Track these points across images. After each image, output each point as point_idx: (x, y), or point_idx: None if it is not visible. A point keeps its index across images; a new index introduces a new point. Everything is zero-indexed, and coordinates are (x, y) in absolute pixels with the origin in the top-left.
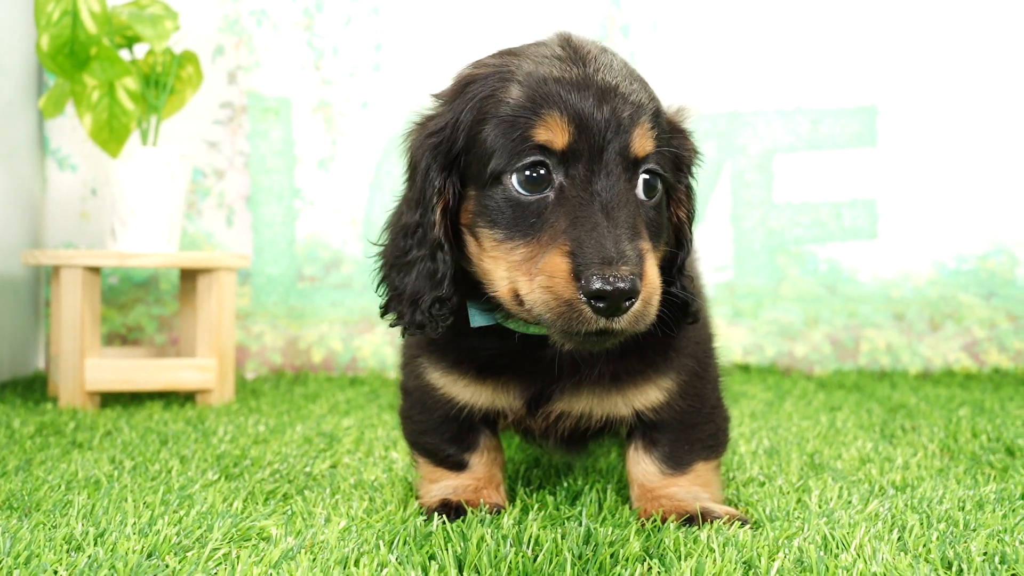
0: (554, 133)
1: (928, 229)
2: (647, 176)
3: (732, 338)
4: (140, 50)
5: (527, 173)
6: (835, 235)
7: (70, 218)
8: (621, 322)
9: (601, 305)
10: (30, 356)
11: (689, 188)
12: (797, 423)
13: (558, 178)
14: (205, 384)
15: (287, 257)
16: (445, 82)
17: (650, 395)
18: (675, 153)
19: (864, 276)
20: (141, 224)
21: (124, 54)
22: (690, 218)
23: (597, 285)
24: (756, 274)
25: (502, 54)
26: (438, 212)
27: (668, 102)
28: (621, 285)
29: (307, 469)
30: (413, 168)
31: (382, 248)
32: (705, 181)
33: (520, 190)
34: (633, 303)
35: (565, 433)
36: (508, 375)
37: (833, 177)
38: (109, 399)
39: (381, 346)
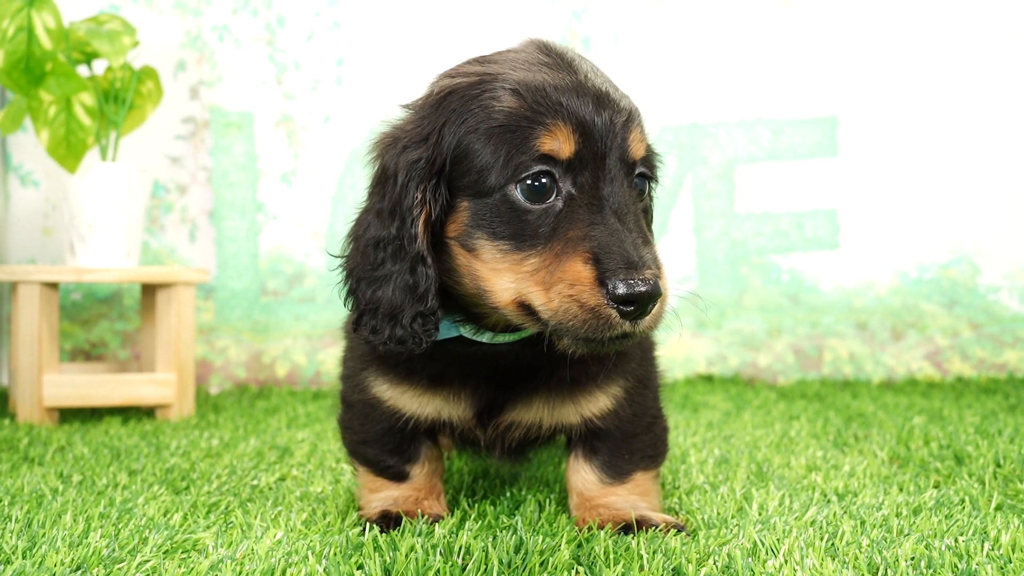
0: (560, 143)
1: (889, 238)
2: (638, 179)
3: (696, 349)
4: (99, 66)
5: (532, 183)
6: (797, 245)
7: (32, 234)
8: (642, 324)
9: (630, 309)
10: None
11: (652, 196)
12: (751, 432)
13: (565, 187)
14: (164, 399)
15: (250, 271)
16: (410, 94)
17: (600, 402)
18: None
19: (826, 286)
20: (100, 239)
21: (83, 70)
22: (649, 219)
23: (624, 290)
24: (719, 284)
25: (478, 62)
26: (420, 224)
27: None
28: (648, 289)
29: (254, 482)
30: (385, 179)
31: (345, 260)
32: (667, 192)
33: (525, 200)
34: (654, 305)
35: (514, 443)
36: (459, 385)
37: (794, 187)
38: (68, 415)
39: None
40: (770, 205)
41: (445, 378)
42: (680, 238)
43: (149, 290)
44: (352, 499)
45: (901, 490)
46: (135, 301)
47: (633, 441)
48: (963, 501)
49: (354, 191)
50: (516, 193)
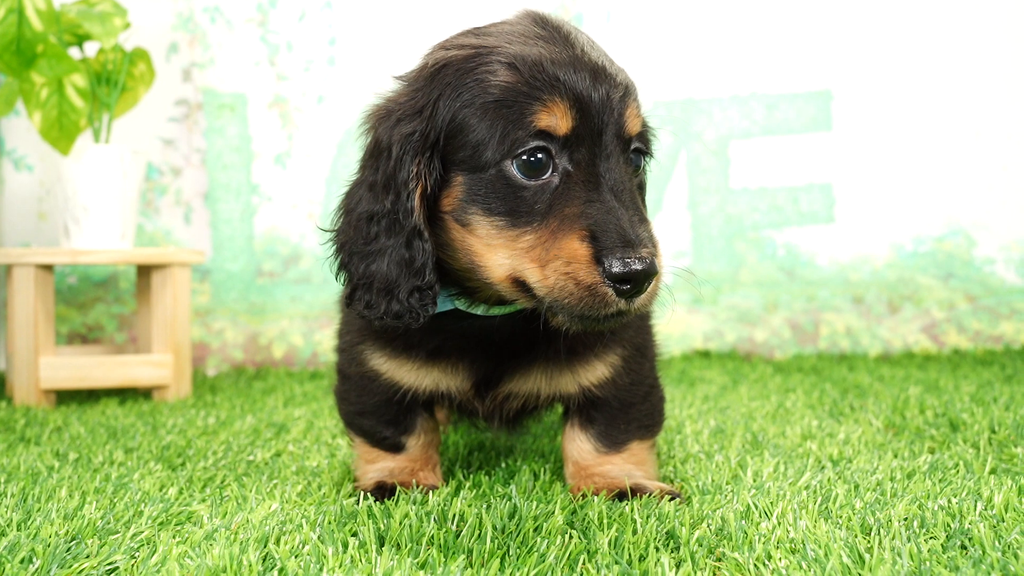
0: (558, 118)
1: (885, 212)
2: (634, 155)
3: (692, 324)
4: (91, 48)
5: (529, 159)
6: (792, 220)
7: (27, 218)
8: (637, 302)
9: (626, 288)
10: None
11: (645, 171)
12: (747, 404)
13: (562, 163)
14: (161, 380)
15: (246, 253)
16: (407, 67)
17: (598, 371)
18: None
19: (822, 260)
20: (94, 221)
21: (75, 52)
22: (644, 195)
23: (620, 269)
24: (715, 260)
25: (472, 34)
26: (416, 198)
27: None
28: (645, 268)
29: (250, 458)
30: (379, 153)
31: (336, 233)
32: (662, 168)
33: (521, 176)
34: (650, 283)
35: (511, 413)
36: (457, 357)
37: (789, 162)
38: (65, 397)
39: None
40: (765, 180)
41: (443, 351)
42: (675, 214)
43: (144, 272)
44: (347, 472)
45: (895, 456)
46: (131, 284)
47: (630, 410)
48: (957, 465)
49: (348, 171)
50: (512, 169)
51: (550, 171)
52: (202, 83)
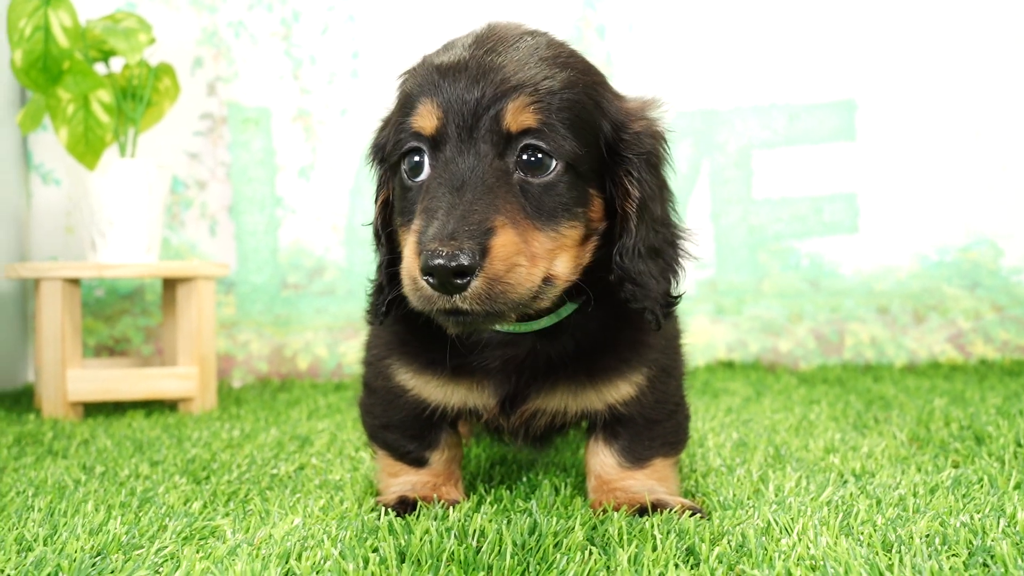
0: (425, 119)
1: (909, 222)
2: (528, 153)
3: (715, 335)
4: (117, 64)
5: (411, 159)
6: (816, 230)
7: (55, 232)
8: (466, 301)
9: (432, 281)
10: (19, 370)
11: (642, 181)
12: (770, 416)
13: (432, 162)
14: (186, 392)
15: (271, 265)
16: None
17: (623, 390)
18: (609, 140)
19: (846, 270)
20: (120, 235)
21: (100, 68)
22: (641, 209)
23: (423, 262)
24: (738, 271)
25: (442, 47)
26: (377, 205)
27: (637, 94)
28: (439, 261)
29: (273, 471)
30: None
31: None
32: (684, 179)
33: (406, 178)
34: (470, 280)
35: (539, 431)
36: (482, 374)
37: (812, 172)
38: (92, 409)
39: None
40: (788, 190)
41: (466, 368)
42: (698, 225)
43: (170, 285)
44: (369, 486)
45: (919, 470)
46: (157, 296)
47: (654, 427)
48: (981, 480)
49: (371, 184)
50: (402, 170)
51: (424, 171)
52: (226, 97)
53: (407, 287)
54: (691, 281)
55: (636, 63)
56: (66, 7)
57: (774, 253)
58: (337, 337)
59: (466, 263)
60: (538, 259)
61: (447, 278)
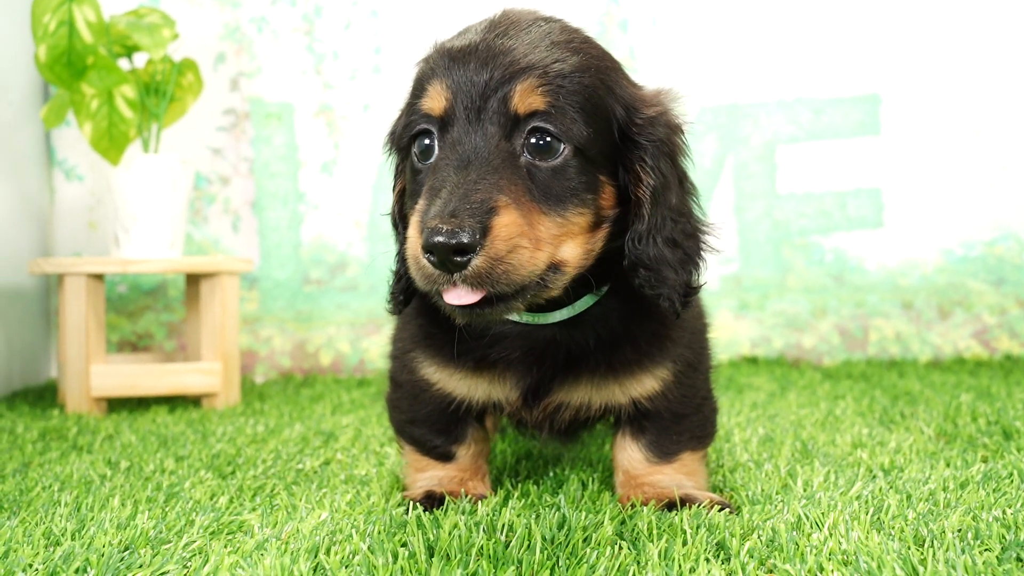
0: (434, 101)
1: (934, 216)
2: (536, 136)
3: (739, 331)
4: (140, 59)
5: (420, 142)
6: (840, 225)
7: (78, 228)
8: (467, 280)
9: (432, 259)
10: (42, 366)
11: (655, 169)
12: (796, 412)
13: (441, 144)
14: (210, 388)
15: (293, 261)
16: None
17: (646, 384)
18: (622, 126)
19: (871, 265)
20: (143, 231)
21: (124, 63)
22: (654, 196)
23: (424, 239)
24: (762, 266)
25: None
26: (395, 194)
27: (654, 85)
28: (440, 239)
29: (299, 466)
30: None
31: None
32: (708, 174)
33: (416, 160)
34: (471, 258)
35: (564, 424)
36: (504, 367)
37: (837, 167)
38: (116, 405)
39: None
40: (812, 185)
41: (488, 360)
42: (722, 220)
43: (193, 280)
44: (396, 481)
45: (948, 465)
46: (180, 292)
47: (681, 422)
48: (1011, 475)
49: (390, 174)
50: (413, 153)
51: (434, 154)
52: (249, 92)
53: (411, 267)
54: (715, 276)
55: (659, 58)
56: (90, 2)
57: (798, 248)
58: (360, 333)
59: (466, 240)
60: (543, 243)
61: (447, 255)
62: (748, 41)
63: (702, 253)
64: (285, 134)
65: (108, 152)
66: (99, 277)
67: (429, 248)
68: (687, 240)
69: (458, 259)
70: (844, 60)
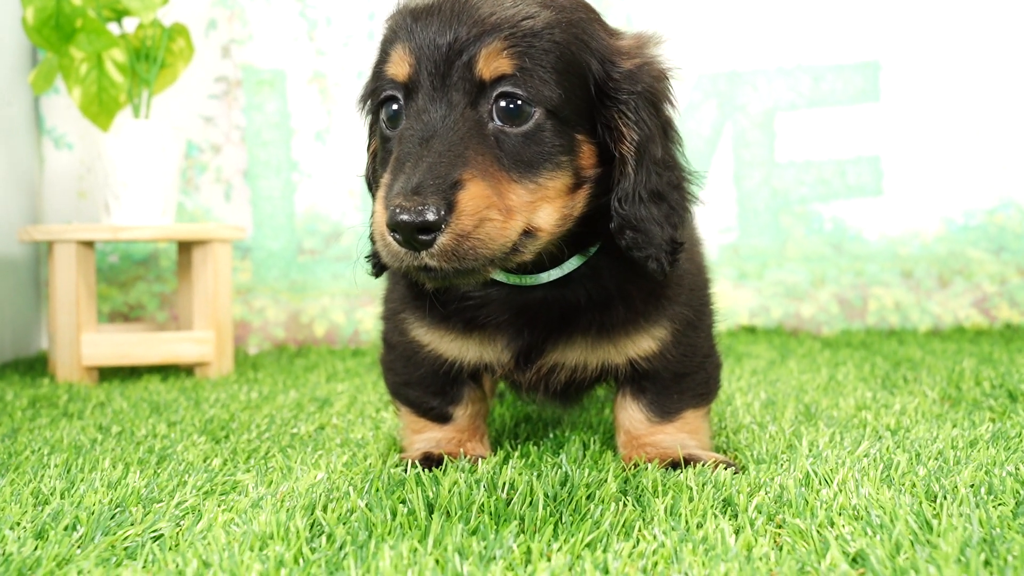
0: (397, 66)
1: (934, 185)
2: (505, 100)
3: (738, 300)
4: (130, 24)
5: (389, 107)
6: (840, 193)
7: (68, 197)
8: (434, 258)
9: (398, 238)
10: (32, 336)
11: (639, 122)
12: (797, 377)
13: (407, 111)
14: (203, 357)
15: (287, 231)
16: None
17: (642, 344)
18: (599, 81)
19: (870, 234)
20: (134, 197)
21: (114, 28)
22: (639, 152)
23: (388, 217)
24: (760, 235)
25: None
26: (368, 154)
27: (636, 30)
28: (405, 217)
29: (294, 431)
30: None
31: None
32: (706, 141)
33: (384, 127)
34: (437, 236)
35: (560, 386)
36: (494, 328)
37: (836, 134)
38: (108, 375)
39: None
40: (812, 153)
41: (478, 321)
42: (721, 188)
43: (185, 248)
44: (393, 444)
45: (955, 426)
46: (171, 263)
47: (683, 380)
48: (1020, 434)
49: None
50: (381, 120)
51: (402, 121)
52: (241, 59)
53: (378, 243)
54: (713, 245)
55: (658, 24)
56: None
57: (797, 216)
58: (354, 303)
59: (431, 219)
60: (515, 212)
61: (411, 235)
62: (748, 7)
63: (686, 204)
64: (277, 102)
65: (98, 118)
66: (89, 244)
67: (393, 227)
68: (671, 191)
69: (423, 237)
70: (844, 26)
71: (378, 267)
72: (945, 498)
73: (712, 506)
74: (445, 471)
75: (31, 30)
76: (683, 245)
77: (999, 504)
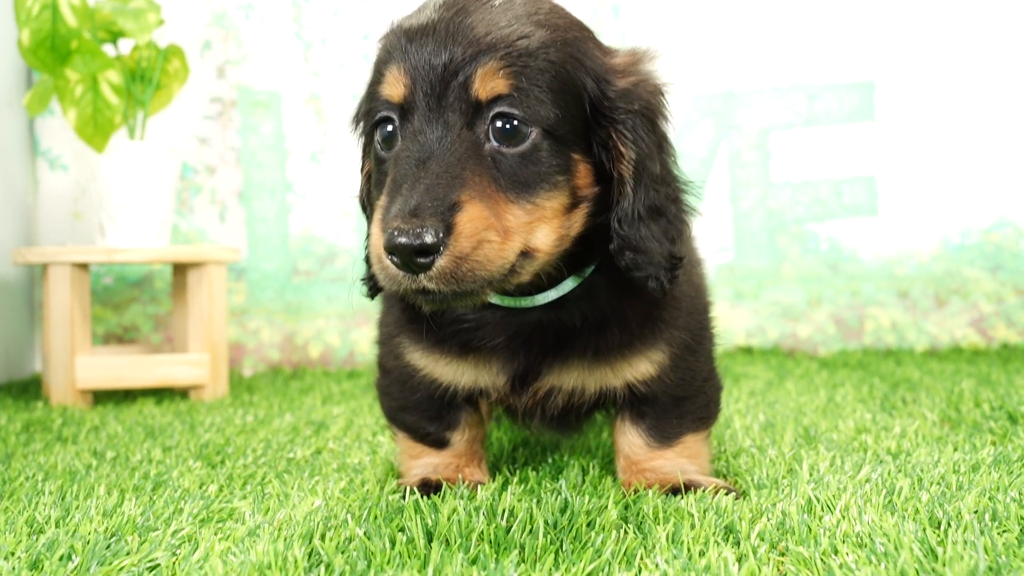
0: (392, 88)
1: (930, 204)
2: (501, 121)
3: (734, 320)
4: (126, 46)
5: (382, 129)
6: (835, 213)
7: (63, 218)
8: (432, 281)
9: (396, 260)
10: (26, 359)
11: (637, 140)
12: (795, 399)
13: (403, 133)
14: (197, 380)
15: (281, 252)
16: None
17: (640, 368)
18: (594, 100)
19: (866, 254)
20: (129, 219)
21: (109, 49)
22: (637, 170)
23: (385, 240)
24: (756, 255)
25: None
26: (362, 175)
27: (630, 46)
28: (402, 240)
29: (290, 455)
30: None
31: None
32: (702, 162)
33: (379, 149)
34: (435, 259)
35: (557, 410)
36: (489, 352)
37: (831, 154)
38: (102, 398)
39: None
40: (807, 172)
41: (473, 345)
42: (716, 208)
43: (180, 270)
44: (391, 469)
45: (956, 449)
46: (166, 284)
47: (682, 404)
48: (1022, 458)
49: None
50: (376, 141)
51: (397, 142)
52: (236, 80)
53: (375, 266)
54: (710, 265)
55: (652, 43)
56: None
57: (793, 237)
58: (349, 325)
59: (429, 242)
60: (512, 233)
61: (409, 258)
62: (743, 27)
63: (684, 217)
64: (272, 123)
65: (93, 139)
66: (84, 267)
67: (391, 250)
68: (670, 205)
69: (421, 260)
70: (839, 46)
71: (373, 289)
72: (949, 525)
73: (714, 533)
74: (444, 497)
75: (26, 51)
76: (682, 260)
77: (1004, 531)
